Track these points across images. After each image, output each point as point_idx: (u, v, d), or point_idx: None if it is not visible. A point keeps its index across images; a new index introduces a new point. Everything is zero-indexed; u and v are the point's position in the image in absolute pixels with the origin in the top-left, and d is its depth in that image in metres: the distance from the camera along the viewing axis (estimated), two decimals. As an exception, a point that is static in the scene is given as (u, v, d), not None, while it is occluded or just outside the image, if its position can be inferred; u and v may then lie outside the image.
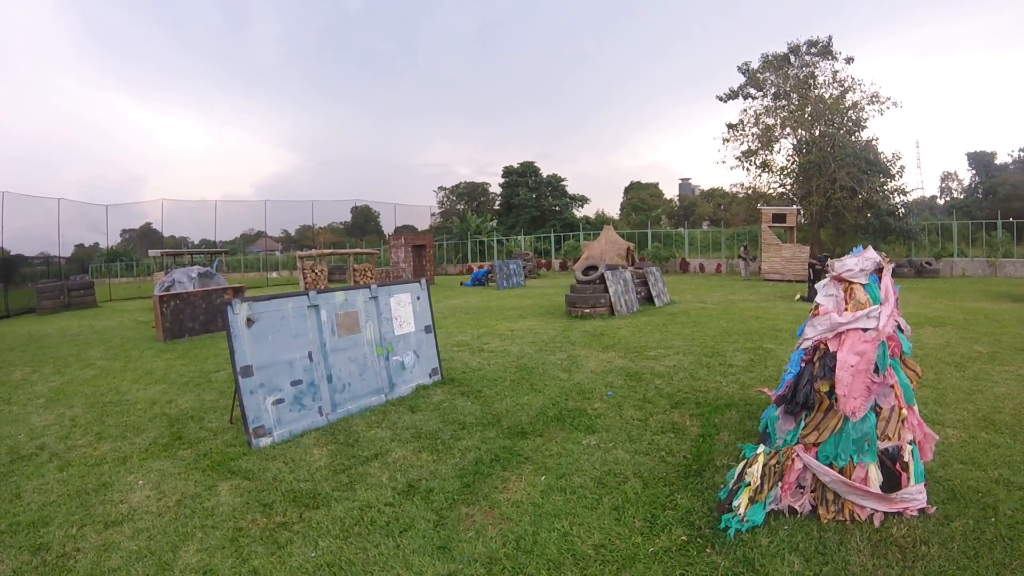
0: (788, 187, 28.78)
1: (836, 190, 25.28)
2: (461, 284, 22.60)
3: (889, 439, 3.32)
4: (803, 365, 3.61)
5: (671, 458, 4.04)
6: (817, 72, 28.04)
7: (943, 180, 54.14)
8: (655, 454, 4.13)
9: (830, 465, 3.27)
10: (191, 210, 52.18)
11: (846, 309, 3.65)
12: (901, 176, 26.94)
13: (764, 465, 3.33)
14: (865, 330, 3.46)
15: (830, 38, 27.35)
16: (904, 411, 3.38)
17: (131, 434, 5.10)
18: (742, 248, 25.31)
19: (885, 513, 3.17)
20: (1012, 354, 7.13)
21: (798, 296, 14.56)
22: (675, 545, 2.92)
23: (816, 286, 4.01)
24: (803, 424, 3.46)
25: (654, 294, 13.31)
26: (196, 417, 5.52)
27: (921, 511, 3.20)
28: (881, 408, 3.38)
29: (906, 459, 3.28)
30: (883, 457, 3.29)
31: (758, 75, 28.81)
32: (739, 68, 29.45)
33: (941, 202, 47.49)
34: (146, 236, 54.51)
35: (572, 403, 5.43)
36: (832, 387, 3.37)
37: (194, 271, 12.89)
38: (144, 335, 11.90)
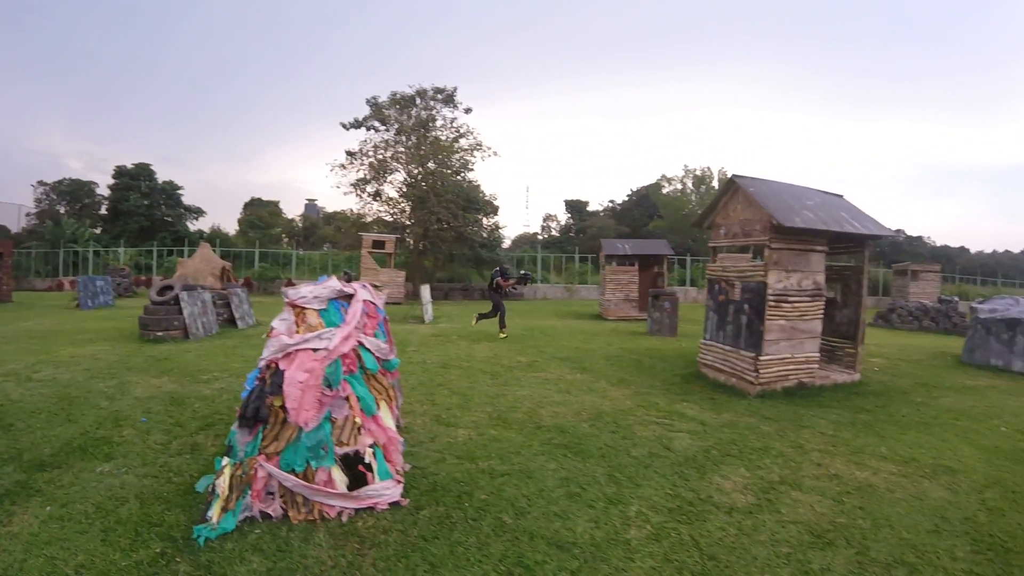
0: (397, 217, 31.14)
1: (433, 222, 28.48)
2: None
3: (347, 445, 3.77)
4: (257, 383, 3.89)
5: (178, 478, 4.22)
6: (437, 116, 31.00)
7: (545, 220, 63.66)
8: (164, 476, 4.27)
9: (291, 471, 3.59)
10: None
11: (297, 332, 4.04)
12: (496, 214, 31.99)
13: (231, 476, 3.58)
14: (316, 350, 3.88)
15: (455, 88, 30.62)
16: (359, 420, 3.88)
17: None
18: (343, 273, 26.60)
19: (356, 509, 3.55)
20: (548, 362, 8.36)
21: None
22: (148, 557, 3.13)
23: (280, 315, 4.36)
24: (261, 436, 3.73)
25: (237, 316, 13.29)
26: None
27: (394, 504, 3.63)
28: (336, 418, 3.83)
29: (367, 460, 3.76)
30: (345, 460, 3.72)
31: (384, 110, 30.50)
32: (367, 101, 30.67)
33: (542, 238, 56.59)
34: None
35: (102, 431, 5.32)
36: (284, 401, 3.73)
37: None
38: None
